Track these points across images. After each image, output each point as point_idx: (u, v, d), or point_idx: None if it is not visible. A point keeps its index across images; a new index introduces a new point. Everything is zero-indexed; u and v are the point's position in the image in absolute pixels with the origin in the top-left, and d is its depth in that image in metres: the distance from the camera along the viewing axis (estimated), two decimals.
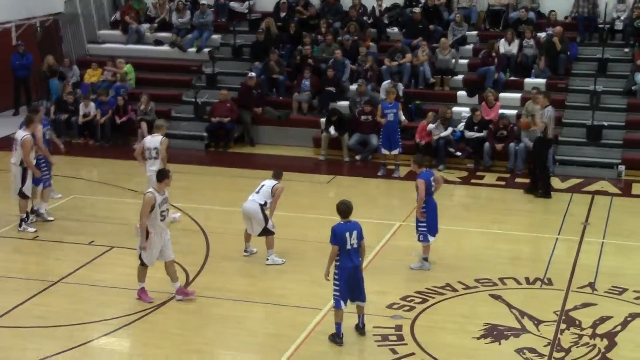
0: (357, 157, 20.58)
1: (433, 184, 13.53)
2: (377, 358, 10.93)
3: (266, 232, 13.81)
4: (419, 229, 13.53)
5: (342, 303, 11.04)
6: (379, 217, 16.34)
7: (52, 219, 15.85)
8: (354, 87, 21.87)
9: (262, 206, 13.73)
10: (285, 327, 11.69)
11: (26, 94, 24.63)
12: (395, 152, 19.01)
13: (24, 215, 15.41)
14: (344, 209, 11.16)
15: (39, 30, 24.93)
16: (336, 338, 11.12)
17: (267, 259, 13.92)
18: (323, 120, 21.02)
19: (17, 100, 24.60)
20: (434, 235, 13.59)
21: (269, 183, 13.93)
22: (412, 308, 12.27)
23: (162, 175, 12.31)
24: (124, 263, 14.04)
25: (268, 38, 23.51)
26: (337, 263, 11.01)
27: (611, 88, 21.33)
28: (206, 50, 24.31)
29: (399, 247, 14.82)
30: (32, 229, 15.33)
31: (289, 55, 23.43)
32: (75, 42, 25.53)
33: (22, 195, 15.32)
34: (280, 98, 22.63)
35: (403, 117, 19.32)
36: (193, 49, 24.41)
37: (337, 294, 11.04)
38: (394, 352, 11.00)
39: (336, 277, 11.04)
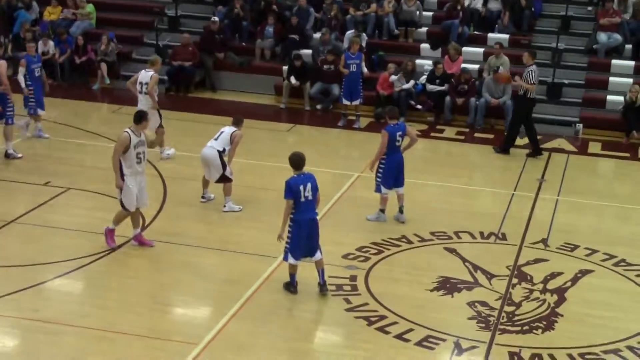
0: (318, 107, 20.53)
1: (399, 139, 13.46)
2: (331, 307, 11.01)
3: (224, 179, 13.77)
4: (376, 180, 13.57)
5: (289, 256, 10.95)
6: (338, 168, 16.38)
7: (20, 155, 15.75)
8: (317, 35, 21.72)
9: (221, 153, 13.67)
10: (241, 274, 11.72)
11: None
12: (356, 102, 18.98)
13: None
14: (297, 160, 10.97)
15: None
16: (290, 287, 11.15)
17: (225, 206, 13.91)
18: (285, 68, 20.88)
19: None
20: (389, 188, 13.60)
21: (228, 130, 13.84)
22: (367, 259, 12.37)
23: (140, 117, 12.05)
24: (79, 204, 13.96)
25: None
26: (292, 216, 10.85)
27: (573, 46, 21.44)
28: None
29: (356, 198, 14.88)
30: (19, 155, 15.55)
31: (253, 0, 23.16)
32: None
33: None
34: (243, 44, 22.42)
35: (365, 69, 19.27)
36: None
37: (288, 246, 10.96)
38: (348, 301, 11.09)
39: (289, 230, 10.90)
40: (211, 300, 11.25)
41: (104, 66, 21.44)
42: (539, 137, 18.25)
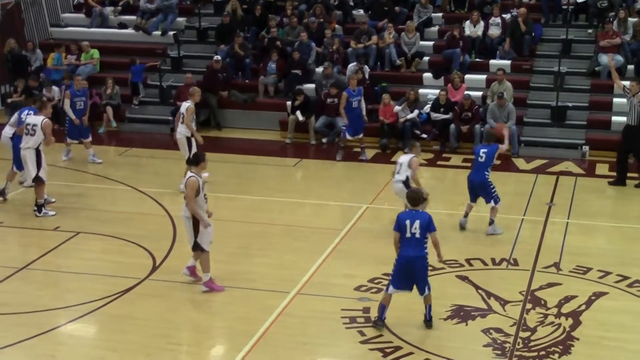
0: (324, 140, 20.58)
1: (483, 155, 14.62)
2: (346, 340, 10.96)
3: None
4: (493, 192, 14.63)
5: (390, 287, 11.00)
6: (346, 200, 16.38)
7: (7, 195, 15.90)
8: (320, 69, 21.83)
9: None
10: (254, 310, 11.68)
11: None
12: (359, 136, 19.01)
13: (42, 201, 15.25)
14: (413, 197, 11.12)
15: (0, 13, 24.57)
16: (377, 321, 11.10)
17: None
18: (289, 103, 20.98)
19: None
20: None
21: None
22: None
23: (198, 159, 12.06)
24: (89, 248, 13.97)
25: (233, 21, 23.39)
26: (399, 251, 10.94)
27: (575, 69, 21.52)
28: (171, 33, 24.14)
29: (365, 229, 14.86)
30: (52, 213, 15.23)
31: (255, 38, 23.33)
32: (37, 25, 25.24)
33: (39, 180, 15.19)
34: (247, 81, 22.55)
35: (363, 103, 19.24)
36: (158, 32, 24.24)
37: (390, 277, 11.09)
38: (362, 334, 11.04)
39: (395, 262, 10.98)
40: (225, 339, 11.21)
41: (109, 109, 21.56)
42: (545, 160, 18.27)
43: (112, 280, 12.31)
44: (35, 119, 15.17)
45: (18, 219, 15.21)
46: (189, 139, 16.44)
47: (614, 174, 17.86)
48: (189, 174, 11.92)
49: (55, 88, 21.95)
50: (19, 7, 25.00)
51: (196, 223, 11.90)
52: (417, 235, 10.76)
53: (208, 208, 12.09)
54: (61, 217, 15.22)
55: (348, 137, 19.06)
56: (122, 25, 24.84)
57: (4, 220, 15.13)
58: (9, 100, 22.16)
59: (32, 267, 13.14)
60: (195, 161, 12.11)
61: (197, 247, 12.04)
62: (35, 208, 15.27)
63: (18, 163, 15.65)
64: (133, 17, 24.77)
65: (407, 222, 10.78)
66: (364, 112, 19.19)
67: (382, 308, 11.05)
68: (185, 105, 16.46)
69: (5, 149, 16.36)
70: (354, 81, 19.08)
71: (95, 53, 23.25)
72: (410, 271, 10.87)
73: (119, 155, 19.61)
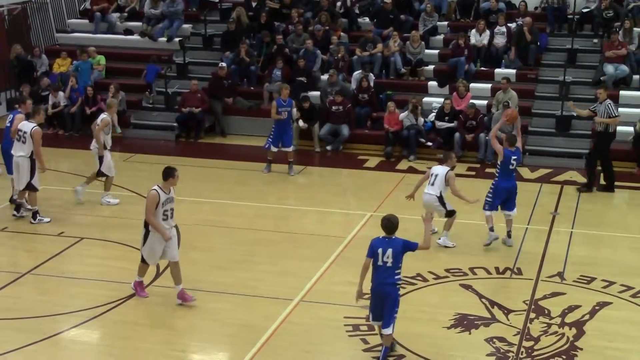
0: (328, 148, 20.58)
1: (514, 163, 14.33)
2: (349, 348, 10.96)
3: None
4: (486, 198, 14.60)
5: (370, 317, 10.64)
6: (350, 208, 16.39)
7: (30, 207, 15.70)
8: (325, 77, 21.85)
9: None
10: (257, 317, 11.68)
11: None
12: (289, 149, 18.56)
13: (36, 208, 15.16)
14: (388, 224, 10.50)
15: (7, 18, 24.63)
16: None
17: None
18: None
19: None
20: (494, 209, 14.52)
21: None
22: None
23: (167, 174, 11.91)
24: (93, 254, 13.97)
25: (239, 28, 23.42)
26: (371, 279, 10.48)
27: (580, 79, 21.49)
28: (177, 39, 24.18)
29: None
30: (46, 219, 15.16)
31: (260, 45, 23.36)
32: (44, 31, 25.30)
33: (32, 188, 15.10)
34: (252, 88, 22.56)
35: (295, 115, 19.01)
36: (163, 39, 24.27)
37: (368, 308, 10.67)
38: (365, 342, 11.03)
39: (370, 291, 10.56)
40: (228, 346, 11.20)
41: (114, 115, 21.53)
42: (549, 170, 18.23)
43: (116, 286, 12.32)
44: (26, 126, 15.04)
45: (22, 224, 15.21)
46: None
47: (618, 183, 17.85)
48: (153, 186, 11.78)
49: (61, 93, 22.00)
50: (25, 13, 25.05)
51: (145, 236, 11.87)
52: (389, 265, 10.32)
53: (170, 226, 11.96)
54: (65, 223, 15.23)
55: (272, 149, 18.41)
56: (128, 32, 24.88)
57: (8, 226, 15.13)
58: (16, 106, 22.14)
59: (35, 273, 13.14)
60: (165, 175, 11.91)
61: (142, 258, 12.03)
62: (16, 212, 15.28)
63: (9, 167, 15.54)
64: (139, 24, 24.81)
65: (380, 250, 10.33)
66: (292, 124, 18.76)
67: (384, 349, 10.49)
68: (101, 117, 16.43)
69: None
70: (286, 91, 18.71)
71: (102, 59, 23.28)
72: (382, 300, 10.41)
73: (123, 161, 19.61)
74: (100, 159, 16.26)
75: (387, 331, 10.42)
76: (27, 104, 15.52)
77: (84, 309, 11.84)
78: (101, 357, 10.83)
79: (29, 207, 15.37)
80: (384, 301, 10.40)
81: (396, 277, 10.38)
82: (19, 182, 15.15)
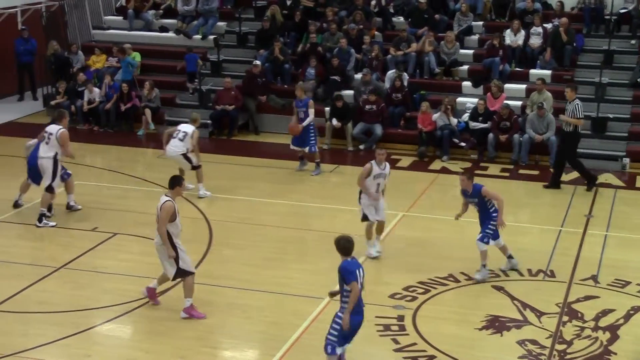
0: (361, 147, 20.55)
1: None
2: (379, 348, 10.94)
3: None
4: (486, 232, 13.04)
5: (337, 349, 9.64)
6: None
7: (80, 207, 15.78)
8: (358, 76, 21.82)
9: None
10: (288, 315, 11.71)
11: (30, 80, 24.60)
12: (305, 149, 18.40)
13: (45, 210, 15.14)
14: (347, 245, 9.66)
15: (44, 15, 24.88)
16: None
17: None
18: (327, 109, 20.98)
19: (22, 85, 24.60)
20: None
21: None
22: (414, 298, 12.28)
23: (175, 182, 11.56)
24: (126, 250, 14.08)
25: (273, 26, 23.46)
26: (345, 305, 9.55)
27: (617, 80, 21.28)
28: (211, 37, 24.26)
29: (401, 237, 14.83)
30: (52, 224, 15.10)
31: (294, 43, 23.38)
32: (80, 28, 25.51)
33: (50, 190, 15.16)
34: (285, 86, 22.59)
35: (311, 116, 18.49)
36: (198, 36, 24.38)
37: (334, 338, 9.63)
38: (396, 342, 11.01)
39: (339, 319, 9.62)
40: (258, 343, 11.23)
41: (148, 112, 21.71)
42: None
43: (148, 282, 12.36)
44: (52, 128, 15.14)
45: (56, 218, 15.33)
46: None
47: None
48: (164, 197, 11.37)
49: (96, 89, 22.17)
50: (62, 10, 25.29)
51: (175, 250, 11.38)
52: (362, 285, 9.65)
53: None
54: (99, 218, 15.36)
55: (292, 147, 18.55)
56: (163, 29, 25.02)
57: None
58: (53, 102, 22.42)
59: (69, 267, 13.27)
60: (171, 184, 11.54)
61: (181, 274, 11.46)
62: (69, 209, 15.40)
63: (34, 175, 15.48)
64: (174, 21, 24.94)
65: (358, 271, 9.53)
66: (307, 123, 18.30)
67: None
68: (191, 129, 16.49)
69: (22, 163, 16.23)
70: (300, 91, 18.65)
71: (137, 56, 23.44)
72: (358, 328, 9.75)
73: (157, 158, 19.73)
74: (188, 159, 16.42)
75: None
76: (64, 120, 15.49)
77: (117, 304, 11.93)
78: (133, 352, 10.90)
79: (78, 206, 15.65)
80: (358, 327, 9.76)
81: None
82: (43, 183, 15.20)
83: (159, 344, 10.96)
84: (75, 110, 21.99)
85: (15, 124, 22.32)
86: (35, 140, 15.63)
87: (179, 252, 11.42)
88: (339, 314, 9.59)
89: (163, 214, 11.25)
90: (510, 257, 13.34)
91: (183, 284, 11.63)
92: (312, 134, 18.35)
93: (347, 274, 9.44)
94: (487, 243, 12.98)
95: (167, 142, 16.53)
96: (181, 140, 16.39)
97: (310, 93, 21.77)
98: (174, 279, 11.70)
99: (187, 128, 16.55)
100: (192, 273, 11.60)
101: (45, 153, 15.06)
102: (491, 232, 12.94)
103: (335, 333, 9.59)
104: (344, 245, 9.61)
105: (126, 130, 21.78)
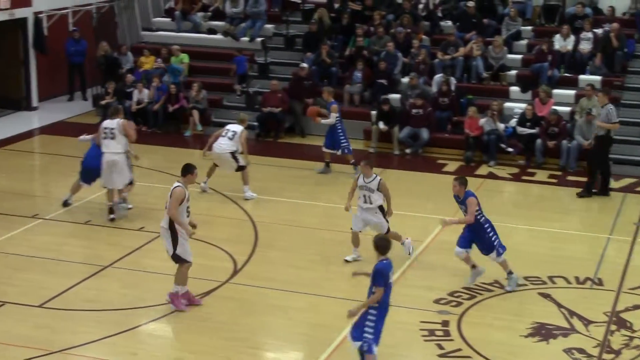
0: (407, 151, 20.49)
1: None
2: (424, 353, 10.90)
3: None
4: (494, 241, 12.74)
5: (374, 348, 9.73)
6: (428, 212, 16.27)
7: (131, 206, 15.91)
8: (405, 80, 21.77)
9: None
10: (331, 318, 11.70)
11: (80, 80, 24.92)
12: (337, 152, 18.50)
13: (122, 202, 15.55)
14: (384, 244, 9.86)
15: (95, 16, 25.19)
16: None
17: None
18: (374, 112, 20.96)
19: (72, 85, 24.91)
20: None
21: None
22: (459, 304, 12.21)
23: (187, 170, 11.89)
24: None
25: (321, 29, 23.50)
26: (377, 304, 9.74)
27: None
28: (259, 39, 24.38)
29: (446, 242, 14.70)
30: (129, 206, 15.63)
31: (341, 46, 23.39)
32: (129, 29, 25.78)
33: (131, 182, 15.52)
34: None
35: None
36: (246, 38, 24.50)
37: (371, 336, 9.73)
38: (440, 347, 10.95)
39: (373, 317, 9.73)
40: (302, 345, 11.25)
41: (195, 113, 21.86)
42: (634, 179, 17.85)
43: (193, 282, 12.45)
44: (111, 123, 15.26)
45: (104, 217, 15.50)
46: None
47: None
48: (176, 183, 11.72)
49: (145, 90, 22.37)
50: (112, 11, 25.59)
51: (175, 235, 11.66)
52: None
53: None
54: (146, 218, 15.48)
55: (324, 149, 18.65)
56: (211, 31, 25.19)
57: (91, 219, 15.46)
58: (102, 102, 22.67)
59: (116, 266, 13.41)
60: (183, 172, 11.87)
61: (177, 259, 11.76)
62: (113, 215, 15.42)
63: (86, 174, 15.68)
64: (222, 23, 25.10)
65: (391, 272, 9.77)
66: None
67: None
68: (240, 128, 16.69)
69: (70, 163, 16.46)
70: (326, 94, 18.80)
71: (185, 57, 23.62)
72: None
73: (203, 158, 19.83)
74: (236, 158, 16.56)
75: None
76: (120, 115, 15.63)
77: (162, 304, 12.02)
78: (176, 352, 10.99)
79: (129, 205, 15.79)
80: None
81: None
82: (119, 180, 15.30)
83: (202, 344, 11.02)
84: (123, 110, 22.17)
85: (65, 124, 22.62)
86: (88, 137, 15.86)
87: (179, 239, 11.65)
88: (373, 311, 9.70)
89: (173, 200, 11.54)
90: (474, 266, 12.69)
91: (177, 270, 11.83)
92: (342, 136, 18.45)
93: (379, 277, 9.60)
94: (501, 254, 12.55)
95: (213, 143, 16.64)
96: (230, 139, 16.53)
97: (356, 96, 21.80)
98: (174, 261, 11.87)
99: (235, 127, 16.69)
100: (188, 262, 11.80)
101: (117, 149, 15.18)
102: (495, 242, 12.49)
103: (371, 331, 9.69)
104: (382, 244, 9.79)
105: (173, 131, 21.94)
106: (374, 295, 9.62)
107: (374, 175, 13.57)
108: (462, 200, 12.63)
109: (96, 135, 15.53)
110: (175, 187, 11.66)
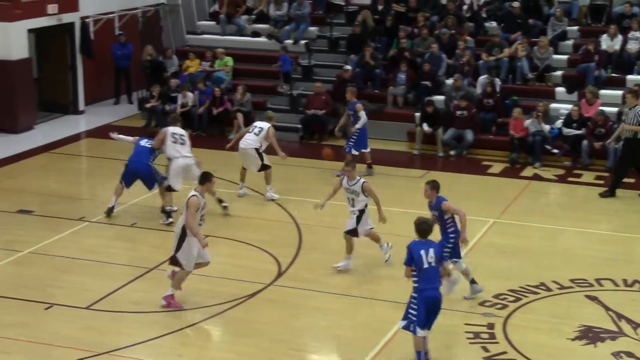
0: (452, 153, 20.39)
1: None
2: (469, 355, 10.83)
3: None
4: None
5: (419, 330, 10.05)
6: (473, 214, 16.05)
7: (176, 208, 15.89)
8: (450, 81, 21.66)
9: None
10: (376, 321, 11.69)
11: (126, 84, 25.17)
12: (360, 151, 18.34)
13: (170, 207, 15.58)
14: (424, 227, 10.31)
15: (141, 20, 25.45)
16: None
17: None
18: (418, 114, 20.89)
19: (118, 89, 25.18)
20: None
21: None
22: (504, 306, 12.12)
23: (205, 179, 12.00)
24: (217, 252, 14.15)
25: (364, 31, 23.48)
26: (416, 285, 10.12)
27: None
28: (303, 42, 24.43)
29: (492, 244, 14.65)
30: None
31: (385, 48, 23.35)
32: (175, 33, 26.00)
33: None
34: (376, 91, 22.57)
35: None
36: (290, 41, 24.56)
37: (413, 317, 10.08)
38: (486, 349, 10.88)
39: (415, 300, 10.11)
40: (346, 347, 11.23)
41: (240, 116, 21.95)
42: None
43: (238, 284, 12.54)
44: (179, 130, 15.61)
45: (149, 220, 15.64)
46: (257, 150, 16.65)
47: None
48: (192, 192, 11.76)
49: (189, 94, 22.52)
50: (157, 15, 25.83)
51: (182, 239, 11.75)
52: (434, 264, 10.07)
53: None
54: None
55: (354, 152, 18.24)
56: (256, 34, 25.30)
57: (137, 222, 15.60)
58: (147, 105, 22.88)
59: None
60: (201, 180, 11.98)
61: (175, 262, 11.92)
62: (166, 219, 15.53)
63: (128, 177, 15.75)
64: (266, 26, 25.20)
65: (422, 252, 10.04)
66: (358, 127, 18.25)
67: (420, 355, 10.11)
68: (267, 125, 16.70)
69: (116, 166, 16.59)
70: (350, 94, 18.57)
71: (230, 61, 23.75)
72: (435, 305, 10.13)
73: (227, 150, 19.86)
74: (260, 155, 16.61)
75: (430, 331, 10.19)
76: (179, 124, 15.89)
77: (207, 306, 12.09)
78: (221, 353, 11.05)
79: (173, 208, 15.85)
80: (437, 306, 10.15)
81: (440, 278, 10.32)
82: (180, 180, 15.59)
83: (247, 345, 11.07)
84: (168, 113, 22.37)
85: (111, 127, 22.82)
86: (122, 137, 16.26)
87: (184, 245, 11.75)
88: (413, 294, 10.08)
89: (190, 210, 11.58)
90: (472, 282, 12.35)
91: (177, 274, 11.96)
92: (355, 137, 18.30)
93: (408, 253, 10.13)
94: (446, 260, 11.73)
95: (239, 140, 16.77)
96: (256, 135, 16.61)
97: (400, 98, 21.73)
98: (170, 263, 12.03)
99: (262, 124, 16.75)
100: (185, 270, 11.89)
101: (189, 152, 15.57)
102: (447, 251, 11.82)
103: (414, 313, 10.02)
104: (421, 227, 10.32)
105: (218, 134, 22.06)
106: (405, 273, 10.21)
107: (358, 178, 13.39)
108: (433, 206, 12.13)
109: (158, 139, 15.59)
110: (191, 196, 11.70)
